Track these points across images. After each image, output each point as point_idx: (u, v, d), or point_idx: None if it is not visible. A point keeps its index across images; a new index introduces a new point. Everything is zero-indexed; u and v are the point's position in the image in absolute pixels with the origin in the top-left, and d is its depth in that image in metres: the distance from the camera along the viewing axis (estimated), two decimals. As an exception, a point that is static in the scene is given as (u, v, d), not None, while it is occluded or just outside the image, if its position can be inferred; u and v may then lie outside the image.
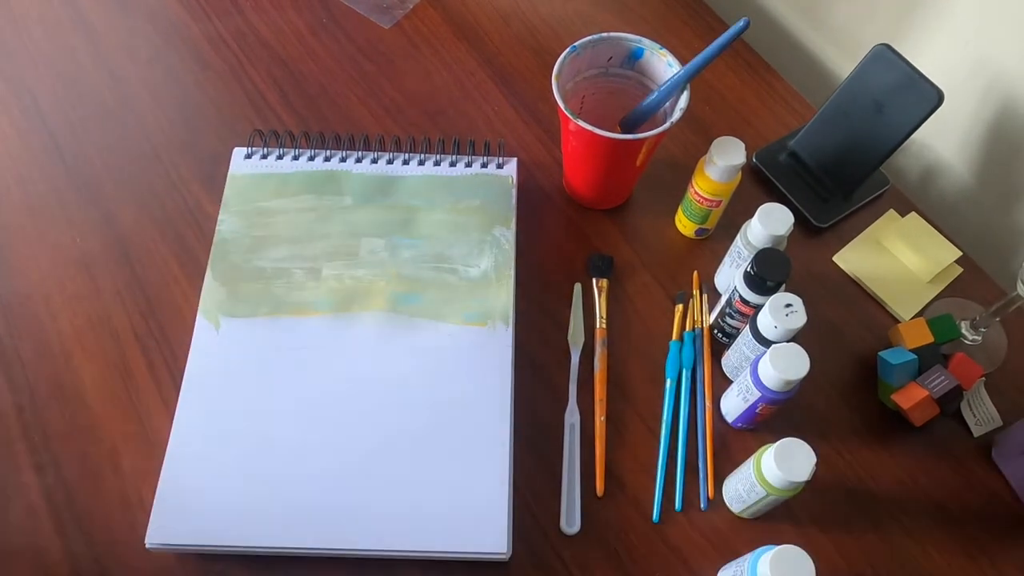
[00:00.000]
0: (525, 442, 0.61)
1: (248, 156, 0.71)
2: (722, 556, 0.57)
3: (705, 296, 0.68)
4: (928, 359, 0.62)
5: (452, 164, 0.71)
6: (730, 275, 0.66)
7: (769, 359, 0.53)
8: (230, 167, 0.70)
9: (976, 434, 0.64)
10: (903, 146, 0.67)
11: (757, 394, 0.55)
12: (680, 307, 0.67)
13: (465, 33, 0.82)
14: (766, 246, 0.60)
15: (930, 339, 0.63)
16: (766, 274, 0.57)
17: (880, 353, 0.64)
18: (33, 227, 0.68)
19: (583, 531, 0.58)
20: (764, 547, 0.49)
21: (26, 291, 0.65)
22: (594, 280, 0.68)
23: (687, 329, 0.66)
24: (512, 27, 0.83)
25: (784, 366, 0.53)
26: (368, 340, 0.63)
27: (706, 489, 0.60)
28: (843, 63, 0.83)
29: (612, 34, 0.65)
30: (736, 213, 0.67)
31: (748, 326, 0.58)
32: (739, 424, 0.62)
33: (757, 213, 0.60)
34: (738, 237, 0.63)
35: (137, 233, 0.69)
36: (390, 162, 0.71)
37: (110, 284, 0.66)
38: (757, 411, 0.57)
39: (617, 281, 0.69)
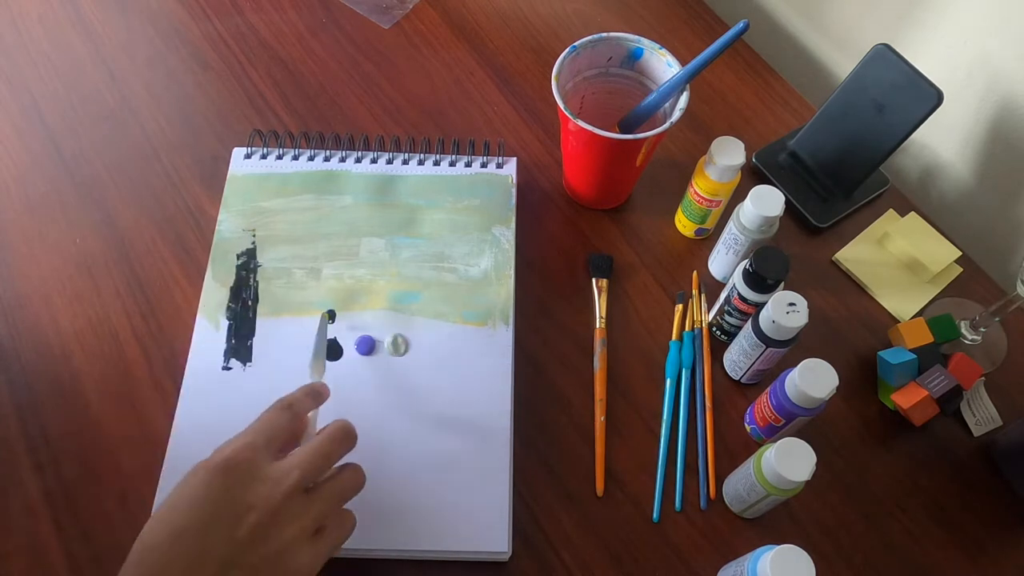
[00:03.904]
0: (525, 442, 0.61)
1: (248, 156, 0.71)
2: (722, 556, 0.57)
3: (704, 296, 0.68)
4: (928, 359, 0.62)
5: (452, 164, 0.72)
6: (724, 261, 0.66)
7: (798, 374, 0.54)
8: (230, 167, 0.70)
9: (976, 434, 0.64)
10: (903, 146, 0.67)
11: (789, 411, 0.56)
12: (680, 307, 0.67)
13: (465, 33, 0.82)
14: (759, 228, 0.60)
15: (930, 339, 0.63)
16: (765, 272, 0.57)
17: (880, 353, 0.64)
18: (33, 227, 0.68)
19: (583, 531, 0.58)
20: (764, 547, 0.49)
21: (26, 291, 0.65)
22: (594, 280, 0.68)
23: (687, 329, 0.66)
24: (512, 27, 0.83)
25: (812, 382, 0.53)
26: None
27: (706, 489, 0.60)
28: (843, 63, 0.83)
29: (612, 34, 0.65)
30: (736, 213, 0.67)
31: (750, 322, 0.59)
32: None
33: (749, 195, 0.60)
34: (731, 221, 0.63)
35: (137, 233, 0.69)
36: (390, 162, 0.71)
37: (110, 284, 0.66)
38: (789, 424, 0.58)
39: (617, 281, 0.69)
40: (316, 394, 0.54)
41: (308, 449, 0.48)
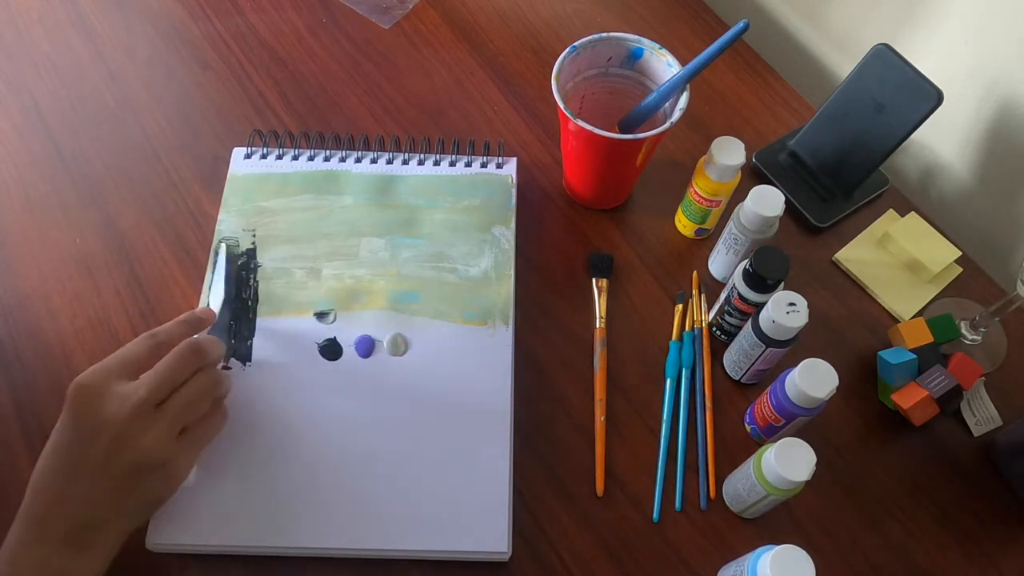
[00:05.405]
0: (525, 442, 0.61)
1: (248, 156, 0.71)
2: (722, 556, 0.57)
3: (704, 296, 0.68)
4: (928, 359, 0.62)
5: (452, 164, 0.72)
6: (724, 261, 0.66)
7: (798, 374, 0.54)
8: (230, 167, 0.70)
9: (976, 434, 0.64)
10: (903, 146, 0.67)
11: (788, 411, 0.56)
12: (680, 307, 0.67)
13: (465, 33, 0.82)
14: (759, 228, 0.60)
15: (930, 339, 0.63)
16: (765, 272, 0.57)
17: (880, 353, 0.64)
18: (33, 227, 0.68)
19: (583, 531, 0.58)
20: (764, 547, 0.49)
21: (26, 291, 0.65)
22: (594, 280, 0.68)
23: (687, 329, 0.66)
24: (512, 27, 0.83)
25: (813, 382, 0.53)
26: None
27: (706, 489, 0.60)
28: (843, 63, 0.83)
29: (612, 34, 0.65)
30: (736, 213, 0.67)
31: (750, 322, 0.59)
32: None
33: (750, 195, 0.60)
34: (731, 221, 0.63)
35: (137, 233, 0.69)
36: (390, 162, 0.71)
37: (110, 284, 0.66)
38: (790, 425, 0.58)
39: (617, 281, 0.69)
40: (194, 320, 0.57)
41: (154, 368, 0.52)
